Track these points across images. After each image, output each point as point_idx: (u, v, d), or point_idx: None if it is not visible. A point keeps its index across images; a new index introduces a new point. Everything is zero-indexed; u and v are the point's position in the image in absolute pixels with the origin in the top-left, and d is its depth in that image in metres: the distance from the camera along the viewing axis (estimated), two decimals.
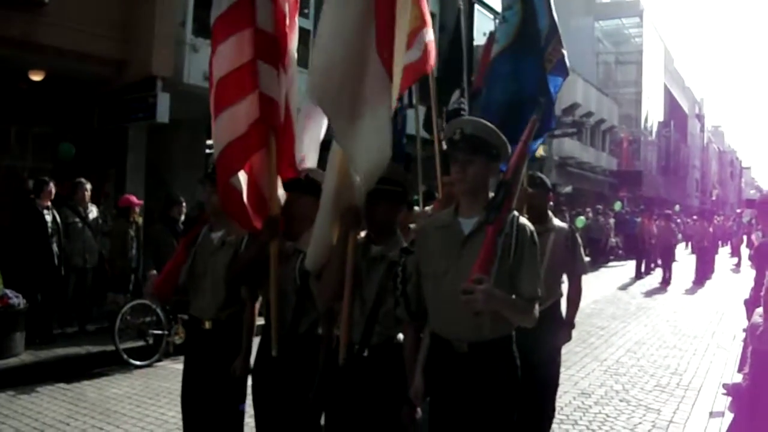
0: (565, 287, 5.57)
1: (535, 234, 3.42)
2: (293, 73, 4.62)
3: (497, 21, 5.31)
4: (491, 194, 3.34)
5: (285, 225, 4.33)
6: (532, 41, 5.27)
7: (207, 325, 4.59)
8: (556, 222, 5.51)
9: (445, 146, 3.71)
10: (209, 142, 12.31)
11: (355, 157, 3.71)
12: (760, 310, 2.84)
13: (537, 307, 3.40)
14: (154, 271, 9.31)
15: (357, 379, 3.71)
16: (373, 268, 3.76)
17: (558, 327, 5.39)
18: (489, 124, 3.39)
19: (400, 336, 3.78)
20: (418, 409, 3.61)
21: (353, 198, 3.80)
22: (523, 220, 3.41)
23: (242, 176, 4.49)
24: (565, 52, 5.76)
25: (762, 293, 2.79)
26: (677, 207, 47.35)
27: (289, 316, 4.23)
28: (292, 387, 4.15)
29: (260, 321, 4.58)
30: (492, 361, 3.34)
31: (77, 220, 10.18)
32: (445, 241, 3.42)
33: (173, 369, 8.68)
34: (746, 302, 8.75)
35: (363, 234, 3.84)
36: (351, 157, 3.72)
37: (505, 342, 3.41)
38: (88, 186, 10.41)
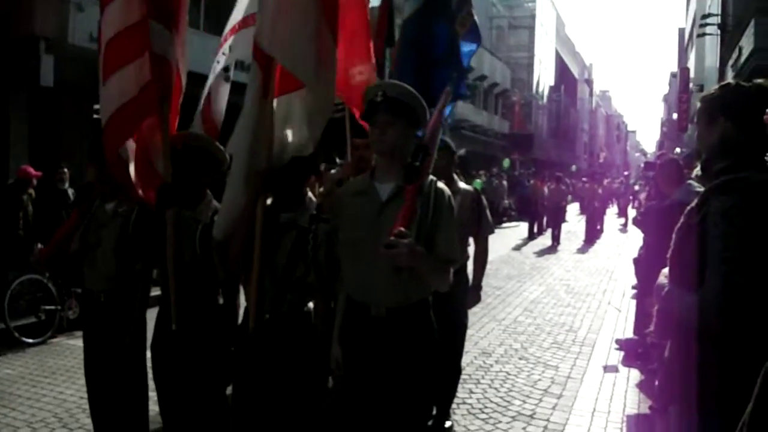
0: (470, 250, 5.64)
1: (452, 199, 3.43)
2: (184, 35, 4.46)
3: None
4: (408, 159, 3.33)
5: (179, 194, 4.21)
6: (443, 4, 5.24)
7: (101, 297, 4.47)
8: (462, 185, 5.56)
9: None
10: (97, 106, 11.86)
11: (314, 119, 3.80)
12: (665, 270, 2.93)
13: (451, 270, 3.42)
14: (40, 245, 8.95)
15: (268, 348, 3.66)
16: (282, 235, 3.70)
17: (465, 289, 5.48)
18: (411, 88, 3.37)
19: (311, 304, 3.76)
20: (330, 377, 3.60)
21: (263, 163, 3.72)
22: (441, 184, 3.40)
23: (129, 144, 4.33)
24: (477, 18, 5.74)
25: (668, 255, 2.88)
26: (574, 167, 48.73)
27: (188, 287, 4.12)
28: (194, 359, 4.07)
29: (156, 291, 4.46)
30: (410, 326, 3.33)
31: None
32: (362, 207, 3.38)
33: (69, 345, 8.39)
34: (635, 261, 9.09)
35: (271, 201, 3.78)
36: (311, 118, 3.82)
37: (422, 306, 3.40)
38: None
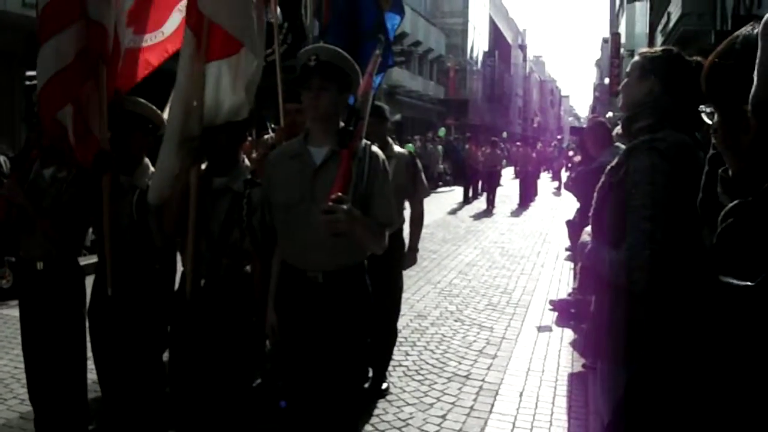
0: (406, 213, 5.70)
1: (386, 162, 3.46)
2: (123, 1, 4.41)
3: None
4: (341, 124, 3.34)
5: (116, 160, 4.18)
6: None
7: (39, 265, 4.38)
8: (397, 149, 5.61)
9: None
10: (30, 73, 11.56)
11: (248, 84, 3.79)
12: (588, 229, 3.03)
13: (387, 234, 3.46)
14: None
15: (204, 313, 3.67)
16: (217, 200, 3.69)
17: (400, 252, 5.54)
18: (344, 52, 3.39)
19: (248, 267, 3.77)
20: (267, 341, 3.62)
21: (195, 129, 3.71)
22: (375, 148, 3.42)
23: (67, 109, 4.28)
24: None
25: (590, 213, 2.98)
26: (504, 134, 49.13)
27: (125, 253, 4.10)
28: (131, 325, 4.06)
29: (93, 259, 4.42)
30: (346, 290, 3.37)
31: None
32: (296, 171, 3.39)
33: (2, 315, 8.20)
34: (568, 223, 9.26)
35: (205, 166, 3.77)
36: (246, 82, 3.79)
37: (358, 270, 3.45)
38: None
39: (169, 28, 4.84)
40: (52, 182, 4.36)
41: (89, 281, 4.37)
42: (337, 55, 3.35)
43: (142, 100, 4.30)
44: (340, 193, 3.05)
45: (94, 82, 4.16)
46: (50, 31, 4.04)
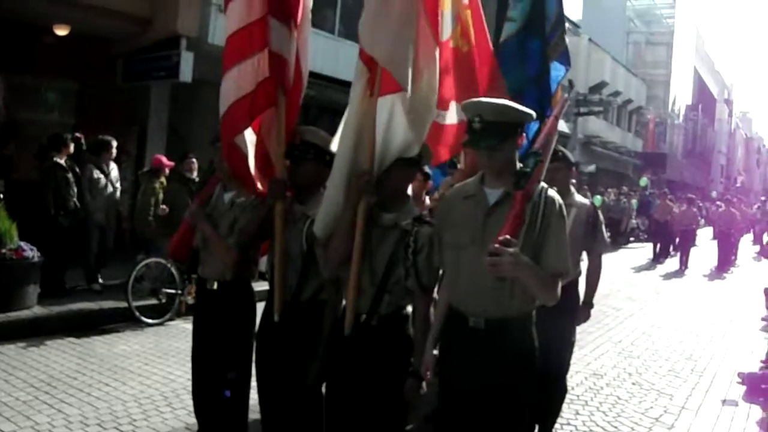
0: (583, 265, 5.47)
1: (563, 207, 3.28)
2: (306, 34, 4.51)
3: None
4: (519, 165, 3.19)
5: (292, 190, 4.25)
6: (538, 25, 5.22)
7: (213, 285, 4.55)
8: (578, 198, 5.41)
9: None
10: None
11: (417, 121, 3.73)
12: None
13: (560, 283, 3.26)
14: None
15: (362, 349, 3.61)
16: (384, 236, 3.63)
17: (575, 306, 5.32)
18: (506, 102, 3.22)
19: (409, 308, 3.69)
20: (423, 383, 3.52)
21: (367, 163, 3.69)
22: (553, 192, 3.25)
23: (249, 137, 4.42)
24: (567, 44, 5.67)
25: None
26: (714, 193, 46.62)
27: (293, 282, 4.14)
28: (294, 353, 4.08)
29: (264, 285, 4.51)
30: (509, 340, 3.20)
31: (101, 176, 10.11)
32: (469, 211, 3.28)
33: (184, 328, 8.66)
34: (766, 290, 8.61)
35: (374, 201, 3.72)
36: (414, 119, 3.73)
37: (524, 320, 3.27)
38: (114, 144, 10.37)
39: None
40: (230, 206, 4.51)
41: (261, 307, 4.46)
42: (504, 111, 3.17)
43: (321, 132, 4.37)
44: (508, 236, 2.91)
45: (274, 111, 4.28)
46: (233, 60, 4.22)
